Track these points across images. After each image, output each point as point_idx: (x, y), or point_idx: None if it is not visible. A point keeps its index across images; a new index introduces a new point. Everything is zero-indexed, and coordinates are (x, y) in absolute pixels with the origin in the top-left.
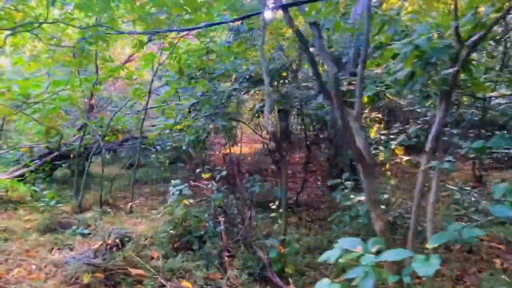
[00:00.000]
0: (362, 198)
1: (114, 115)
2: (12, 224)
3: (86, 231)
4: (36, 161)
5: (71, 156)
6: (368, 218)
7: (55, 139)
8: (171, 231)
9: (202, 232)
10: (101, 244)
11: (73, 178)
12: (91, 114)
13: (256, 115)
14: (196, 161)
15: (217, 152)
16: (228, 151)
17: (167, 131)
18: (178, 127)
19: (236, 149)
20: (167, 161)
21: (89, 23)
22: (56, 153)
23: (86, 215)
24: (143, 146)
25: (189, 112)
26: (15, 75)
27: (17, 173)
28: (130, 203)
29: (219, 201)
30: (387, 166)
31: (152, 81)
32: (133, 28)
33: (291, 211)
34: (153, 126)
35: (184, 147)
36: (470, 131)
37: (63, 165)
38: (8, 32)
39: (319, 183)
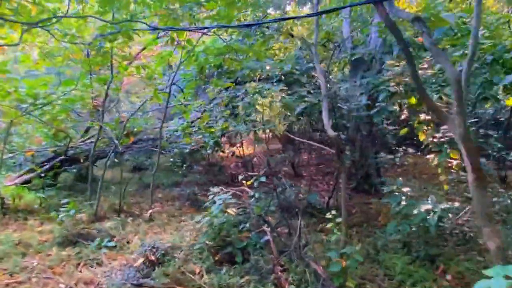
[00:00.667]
0: (428, 207)
1: (131, 116)
2: (25, 236)
3: (111, 243)
4: (45, 165)
5: (81, 160)
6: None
7: (63, 143)
8: (208, 242)
9: (245, 244)
10: (143, 259)
11: (79, 184)
12: (97, 116)
13: (297, 118)
14: (205, 163)
15: (229, 154)
16: (241, 152)
17: (179, 133)
18: (202, 127)
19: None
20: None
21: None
22: (62, 157)
23: (105, 225)
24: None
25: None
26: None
27: (21, 179)
28: (150, 210)
29: (260, 208)
30: (440, 171)
31: (173, 80)
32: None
33: (323, 217)
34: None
35: (204, 150)
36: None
37: (69, 170)
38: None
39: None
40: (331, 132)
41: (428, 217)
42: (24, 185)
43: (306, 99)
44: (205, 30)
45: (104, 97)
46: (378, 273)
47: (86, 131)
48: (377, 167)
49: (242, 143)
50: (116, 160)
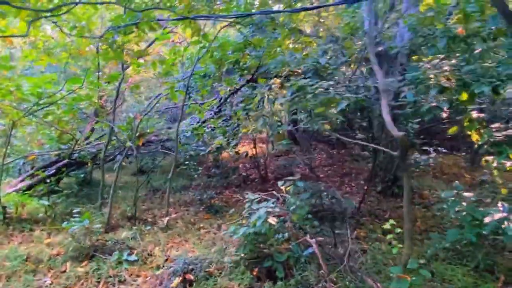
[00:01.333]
0: (502, 214)
1: (144, 115)
2: (34, 250)
3: (132, 257)
4: (49, 170)
5: (88, 164)
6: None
7: (67, 145)
8: (243, 255)
9: (285, 256)
10: (180, 279)
11: (83, 189)
12: (103, 116)
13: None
14: (211, 164)
15: (241, 155)
16: (253, 152)
17: (188, 134)
18: (216, 128)
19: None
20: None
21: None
22: (65, 161)
23: (120, 235)
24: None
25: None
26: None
27: (21, 185)
28: (167, 218)
29: (300, 216)
30: (495, 172)
31: (191, 77)
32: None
33: (356, 222)
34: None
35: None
36: None
37: (71, 175)
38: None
39: (359, 188)
40: (396, 132)
41: (503, 226)
42: (25, 192)
43: (346, 95)
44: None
45: (115, 96)
46: (435, 286)
47: (92, 131)
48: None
49: (255, 143)
50: (123, 163)
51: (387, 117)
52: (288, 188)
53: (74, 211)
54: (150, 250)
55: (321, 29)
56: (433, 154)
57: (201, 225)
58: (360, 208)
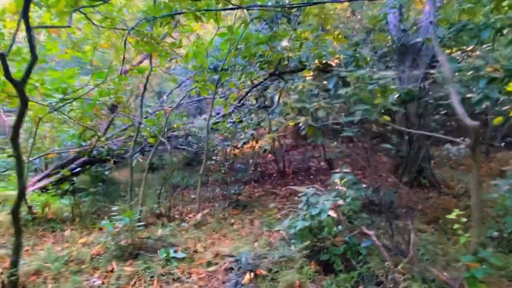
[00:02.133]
0: None
1: (173, 109)
2: (72, 250)
3: (180, 254)
4: (75, 168)
5: (111, 161)
6: None
7: (87, 142)
8: (294, 249)
9: (342, 249)
10: (250, 275)
11: (100, 187)
12: (116, 113)
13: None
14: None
15: (259, 150)
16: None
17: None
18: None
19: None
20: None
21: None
22: (84, 159)
23: (155, 233)
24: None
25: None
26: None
27: (41, 184)
28: (199, 214)
29: (356, 208)
30: None
31: (222, 71)
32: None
33: (392, 214)
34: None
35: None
36: None
37: (88, 172)
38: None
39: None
40: (469, 122)
41: None
42: (43, 191)
43: (398, 86)
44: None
45: (143, 90)
46: (491, 273)
47: (107, 128)
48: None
49: (281, 137)
50: (140, 160)
51: (458, 106)
52: (343, 181)
53: (114, 209)
54: (192, 246)
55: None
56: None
57: (233, 221)
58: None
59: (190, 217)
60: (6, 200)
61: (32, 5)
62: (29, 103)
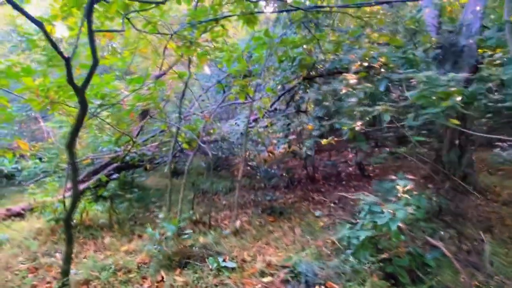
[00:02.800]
0: None
1: (211, 115)
2: (116, 259)
3: (231, 264)
4: (113, 174)
5: (146, 167)
6: None
7: (121, 148)
8: (353, 260)
9: (407, 260)
10: None
11: (126, 193)
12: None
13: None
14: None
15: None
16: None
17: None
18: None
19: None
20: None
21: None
22: (115, 165)
23: (198, 240)
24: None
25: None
26: None
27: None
28: (237, 221)
29: (422, 217)
30: None
31: (262, 74)
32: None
33: (442, 222)
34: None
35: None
36: None
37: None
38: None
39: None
40: None
41: None
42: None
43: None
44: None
45: (181, 95)
46: None
47: (138, 133)
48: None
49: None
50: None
51: None
52: (406, 188)
53: (160, 216)
54: (238, 255)
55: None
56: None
57: (271, 228)
58: (441, 208)
59: (225, 224)
60: (45, 207)
61: (77, 11)
62: (69, 109)
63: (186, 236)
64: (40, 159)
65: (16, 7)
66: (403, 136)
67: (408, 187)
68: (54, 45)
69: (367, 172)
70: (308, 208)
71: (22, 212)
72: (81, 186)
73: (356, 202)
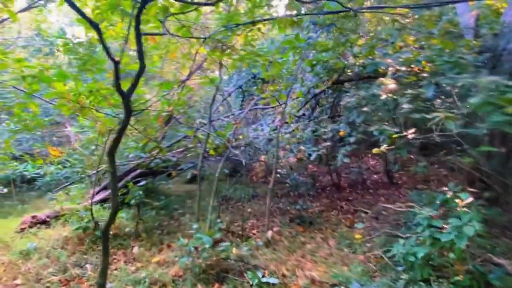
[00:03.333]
0: None
1: (240, 120)
2: (150, 272)
3: (272, 279)
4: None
5: (172, 174)
6: None
7: (147, 154)
8: (404, 277)
9: (467, 280)
10: None
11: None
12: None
13: None
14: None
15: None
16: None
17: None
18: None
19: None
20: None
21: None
22: (139, 171)
23: (231, 251)
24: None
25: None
26: None
27: (100, 197)
28: (269, 232)
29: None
30: None
31: (294, 78)
32: None
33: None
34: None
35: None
36: None
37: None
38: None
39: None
40: None
41: None
42: (101, 203)
43: None
44: None
45: (212, 100)
46: None
47: (161, 139)
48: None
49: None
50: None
51: None
52: (466, 202)
53: (194, 226)
54: (276, 269)
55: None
56: None
57: (303, 239)
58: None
59: (254, 234)
60: (72, 215)
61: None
62: (98, 114)
63: (221, 248)
64: (62, 164)
65: (73, 7)
66: (428, 143)
67: (469, 200)
68: (106, 48)
69: (395, 180)
70: (338, 217)
71: (48, 219)
72: (105, 193)
73: (393, 212)
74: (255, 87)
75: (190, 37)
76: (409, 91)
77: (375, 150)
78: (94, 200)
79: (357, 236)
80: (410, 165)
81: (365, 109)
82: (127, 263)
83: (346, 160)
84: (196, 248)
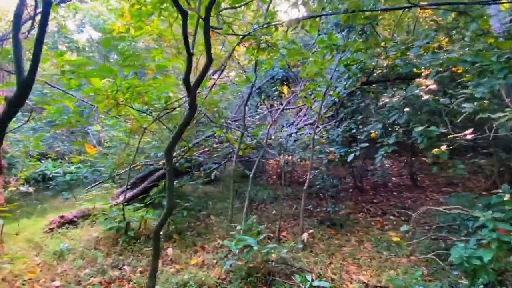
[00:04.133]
0: None
1: (274, 120)
2: (193, 274)
3: (324, 283)
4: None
5: (202, 174)
6: None
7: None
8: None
9: None
10: None
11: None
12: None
13: None
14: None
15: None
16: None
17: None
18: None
19: None
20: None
21: None
22: (162, 171)
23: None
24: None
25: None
26: None
27: (127, 196)
28: (305, 235)
29: None
30: None
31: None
32: None
33: None
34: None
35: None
36: None
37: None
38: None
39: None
40: None
41: None
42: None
43: None
44: None
45: (246, 99)
46: None
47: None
48: None
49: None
50: (217, 173)
51: None
52: None
53: (237, 227)
54: (321, 272)
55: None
56: None
57: (337, 242)
58: None
59: (284, 236)
60: (99, 215)
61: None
62: (131, 111)
63: (266, 250)
64: (83, 163)
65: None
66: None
67: None
68: (186, 38)
69: (419, 183)
70: (367, 220)
71: (75, 219)
72: (130, 193)
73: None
74: (274, 88)
75: (230, 34)
76: (462, 91)
77: (435, 151)
78: (119, 200)
79: (396, 239)
80: (429, 168)
81: (406, 109)
82: (164, 264)
83: (386, 162)
84: (240, 250)
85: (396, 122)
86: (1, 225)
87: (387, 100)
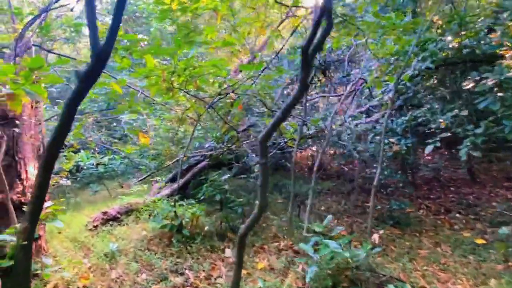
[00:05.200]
0: None
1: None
2: (267, 281)
3: None
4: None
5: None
6: None
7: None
8: None
9: None
10: None
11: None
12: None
13: None
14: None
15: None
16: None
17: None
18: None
19: None
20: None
21: None
22: (204, 163)
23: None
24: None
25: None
26: None
27: (166, 191)
28: (376, 235)
29: None
30: None
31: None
32: None
33: None
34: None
35: None
36: None
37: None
38: None
39: None
40: None
41: None
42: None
43: None
44: None
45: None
46: None
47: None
48: None
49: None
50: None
51: None
52: None
53: (338, 228)
54: (413, 281)
55: None
56: None
57: (408, 243)
58: None
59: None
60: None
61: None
62: (183, 98)
63: (348, 254)
64: (116, 154)
65: None
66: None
67: None
68: None
69: (478, 178)
70: (431, 218)
71: (118, 216)
72: (171, 188)
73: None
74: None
75: (297, 6)
76: None
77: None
78: (159, 194)
79: (480, 241)
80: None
81: (500, 94)
82: (228, 268)
83: (476, 154)
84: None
85: (485, 109)
86: (45, 224)
87: (471, 84)
